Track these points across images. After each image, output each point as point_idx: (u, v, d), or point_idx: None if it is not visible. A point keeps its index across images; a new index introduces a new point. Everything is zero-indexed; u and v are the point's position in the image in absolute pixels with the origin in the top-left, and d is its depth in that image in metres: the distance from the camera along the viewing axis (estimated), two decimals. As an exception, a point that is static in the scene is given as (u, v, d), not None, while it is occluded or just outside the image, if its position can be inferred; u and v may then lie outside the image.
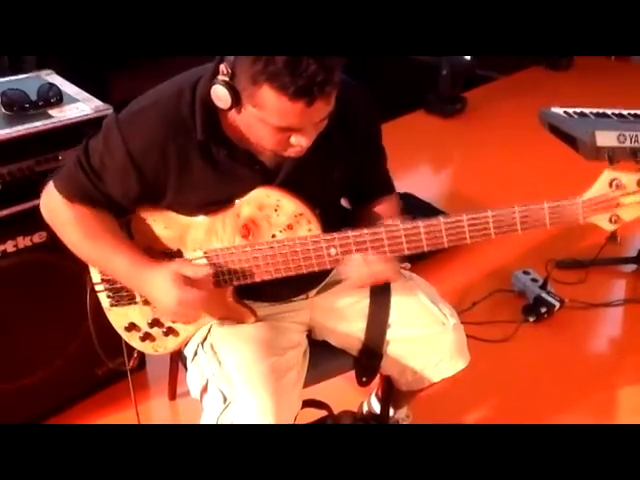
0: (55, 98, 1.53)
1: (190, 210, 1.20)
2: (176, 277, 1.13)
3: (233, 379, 1.18)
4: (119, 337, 1.35)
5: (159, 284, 1.15)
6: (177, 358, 1.59)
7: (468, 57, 3.64)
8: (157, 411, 1.83)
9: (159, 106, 1.12)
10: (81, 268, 1.31)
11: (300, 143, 1.07)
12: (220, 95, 1.04)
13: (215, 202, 1.18)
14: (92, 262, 1.26)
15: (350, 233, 1.14)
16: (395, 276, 1.22)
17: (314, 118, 1.04)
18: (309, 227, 1.16)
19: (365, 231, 1.14)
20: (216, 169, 1.14)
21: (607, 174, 1.07)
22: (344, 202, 1.38)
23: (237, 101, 1.04)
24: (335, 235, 1.15)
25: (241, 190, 1.17)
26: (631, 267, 2.46)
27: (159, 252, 1.23)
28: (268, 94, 0.98)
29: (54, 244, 1.46)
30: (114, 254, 1.18)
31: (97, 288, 1.32)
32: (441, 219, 1.12)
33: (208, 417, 1.19)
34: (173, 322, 1.29)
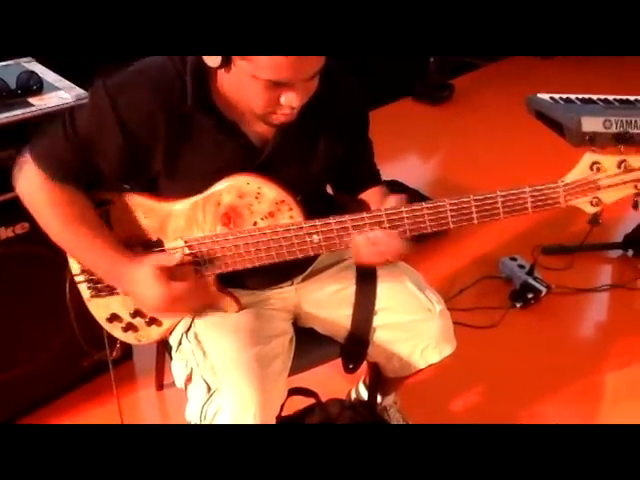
0: (35, 86, 1.50)
1: (174, 184, 1.17)
2: (159, 272, 1.12)
3: (217, 369, 1.18)
4: (102, 329, 1.33)
5: (141, 281, 1.13)
6: (163, 348, 1.58)
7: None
8: (144, 402, 1.83)
9: (149, 72, 1.11)
10: (64, 259, 1.29)
11: (290, 103, 1.06)
12: None
13: (200, 174, 1.16)
14: (69, 251, 1.22)
15: (332, 220, 1.13)
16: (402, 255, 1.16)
17: (305, 72, 1.03)
18: (290, 214, 1.15)
19: (347, 217, 1.13)
20: (203, 138, 1.13)
21: (588, 157, 1.07)
22: (328, 189, 1.38)
23: (227, 58, 1.02)
24: (317, 222, 1.14)
25: (225, 163, 1.15)
26: (617, 252, 2.47)
27: (139, 242, 1.21)
28: None
29: (36, 235, 1.45)
30: (93, 247, 1.15)
31: (77, 279, 1.30)
32: (424, 204, 1.11)
33: (192, 407, 1.18)
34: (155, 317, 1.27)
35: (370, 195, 1.31)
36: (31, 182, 1.14)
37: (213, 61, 1.04)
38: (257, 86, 1.04)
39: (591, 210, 1.09)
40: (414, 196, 2.58)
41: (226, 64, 1.03)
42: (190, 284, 1.15)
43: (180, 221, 1.19)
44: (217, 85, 1.11)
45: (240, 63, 1.02)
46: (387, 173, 1.46)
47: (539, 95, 2.12)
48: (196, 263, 1.20)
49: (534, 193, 1.08)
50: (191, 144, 1.13)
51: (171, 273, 1.14)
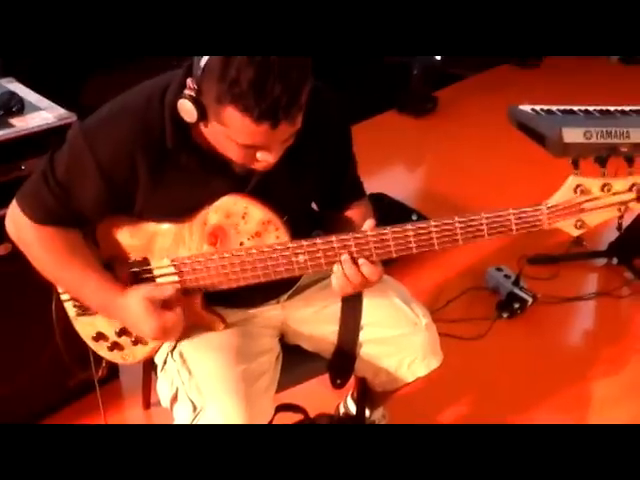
0: (16, 107, 1.50)
1: (159, 218, 1.19)
2: (148, 303, 1.15)
3: (203, 388, 1.17)
4: (88, 349, 1.33)
5: (133, 312, 1.16)
6: (150, 367, 1.57)
7: (439, 57, 3.66)
8: (131, 421, 1.81)
9: (127, 115, 1.10)
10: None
11: (266, 159, 1.06)
12: (187, 109, 1.03)
13: (185, 209, 1.17)
14: (61, 286, 1.24)
15: (318, 240, 1.14)
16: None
17: (279, 138, 1.04)
18: (277, 234, 1.15)
19: (333, 238, 1.13)
20: (187, 178, 1.13)
21: (572, 180, 1.07)
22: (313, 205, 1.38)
23: (203, 116, 1.03)
24: (303, 242, 1.14)
25: (211, 198, 1.16)
26: (601, 261, 2.49)
27: (125, 260, 1.22)
28: (233, 114, 0.98)
29: (19, 255, 1.44)
30: (83, 281, 1.17)
31: (63, 297, 1.29)
32: (409, 226, 1.11)
33: (178, 427, 1.18)
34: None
35: (356, 213, 1.32)
36: (18, 225, 1.18)
37: (189, 117, 1.04)
38: (232, 145, 1.04)
39: (575, 232, 1.09)
40: (399, 209, 2.59)
41: (202, 120, 1.04)
42: (180, 312, 1.17)
43: (167, 240, 1.19)
44: (197, 129, 1.09)
45: (214, 124, 1.03)
46: (372, 186, 1.47)
47: (520, 107, 2.14)
48: (184, 283, 1.21)
49: (518, 216, 1.08)
50: (174, 182, 1.13)
51: (162, 303, 1.16)
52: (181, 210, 1.17)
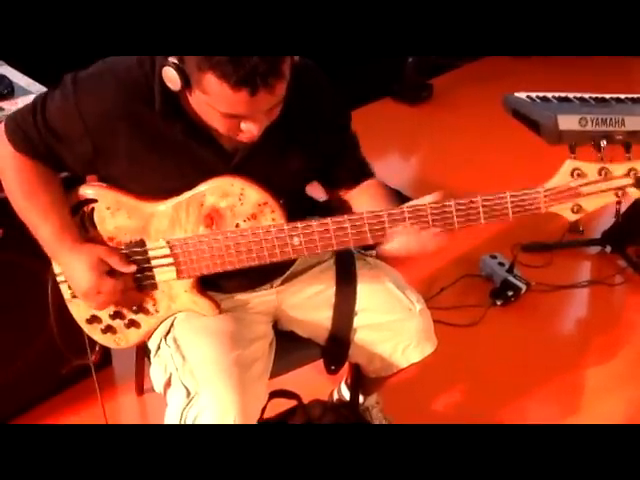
0: (6, 90, 1.49)
1: (146, 187, 1.18)
2: (97, 263, 1.16)
3: (197, 373, 1.17)
4: (82, 334, 1.32)
5: (77, 265, 1.17)
6: (143, 353, 1.57)
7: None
8: (125, 407, 1.81)
9: (118, 74, 1.11)
10: (41, 264, 1.27)
11: (250, 130, 1.06)
12: (170, 77, 1.04)
13: (173, 177, 1.16)
14: (23, 218, 1.22)
15: (313, 222, 1.13)
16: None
17: (260, 107, 1.03)
18: (273, 216, 1.15)
19: (328, 220, 1.13)
20: (171, 144, 1.12)
21: (569, 164, 1.07)
22: (319, 192, 1.36)
23: (187, 84, 1.03)
24: (299, 225, 1.14)
25: (196, 169, 1.15)
26: (595, 249, 2.50)
27: (122, 241, 1.21)
28: (212, 81, 0.98)
29: (12, 242, 1.43)
30: (43, 219, 1.17)
31: (59, 279, 1.28)
32: (404, 208, 1.11)
33: (172, 412, 1.17)
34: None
35: (366, 194, 1.29)
36: (1, 149, 1.17)
37: (173, 85, 1.04)
38: (215, 114, 1.04)
39: (572, 217, 1.09)
40: (395, 196, 2.58)
41: (186, 88, 1.04)
42: (118, 288, 1.19)
43: (163, 222, 1.19)
44: (185, 96, 1.09)
45: (197, 92, 1.02)
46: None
47: (516, 94, 2.13)
48: (179, 265, 1.21)
49: (514, 199, 1.08)
50: (158, 148, 1.12)
51: (110, 269, 1.18)
52: (168, 177, 1.16)
